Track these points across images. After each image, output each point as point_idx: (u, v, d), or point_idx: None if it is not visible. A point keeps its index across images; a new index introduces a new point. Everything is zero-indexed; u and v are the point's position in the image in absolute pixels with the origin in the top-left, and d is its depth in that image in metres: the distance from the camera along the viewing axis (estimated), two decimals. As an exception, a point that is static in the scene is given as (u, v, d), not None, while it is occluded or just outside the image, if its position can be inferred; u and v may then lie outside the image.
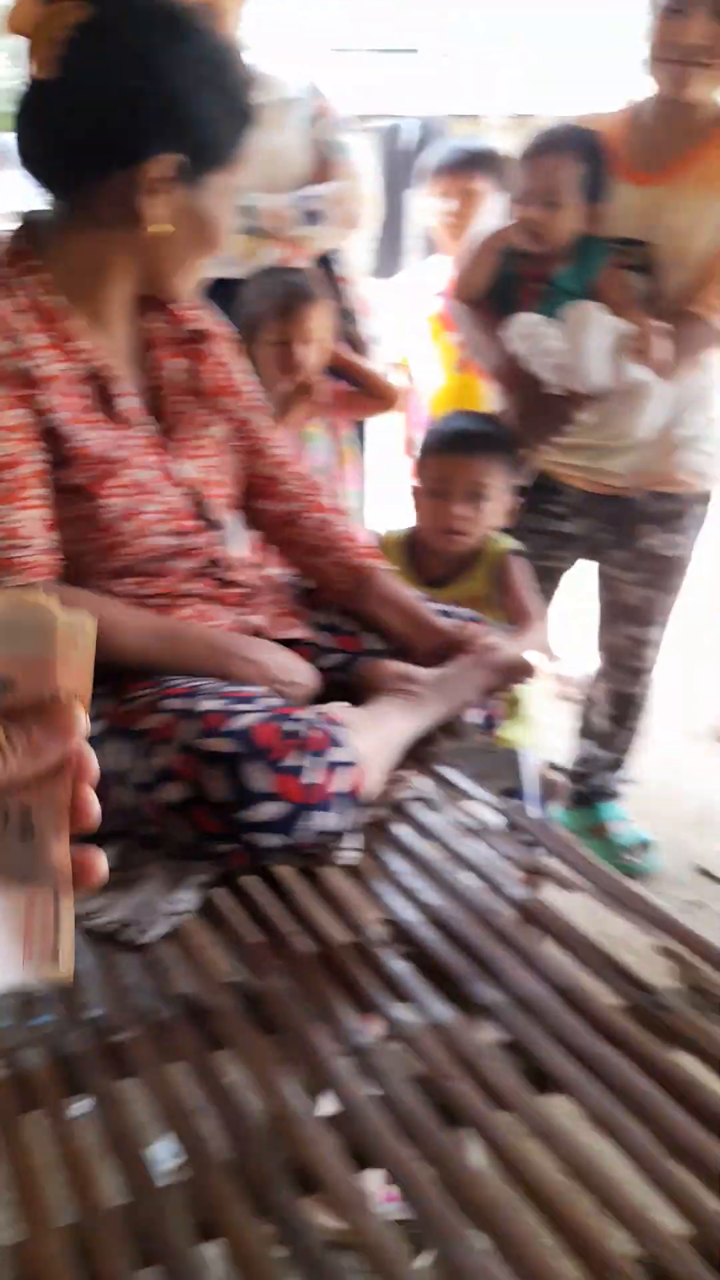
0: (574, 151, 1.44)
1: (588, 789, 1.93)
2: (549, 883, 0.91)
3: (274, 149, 1.93)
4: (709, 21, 1.38)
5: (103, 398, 1.05)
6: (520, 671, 1.27)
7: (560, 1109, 0.69)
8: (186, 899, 0.94)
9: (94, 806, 0.37)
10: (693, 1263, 0.57)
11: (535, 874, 0.92)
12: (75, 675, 0.36)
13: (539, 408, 1.47)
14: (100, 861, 0.38)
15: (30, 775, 0.35)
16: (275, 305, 1.73)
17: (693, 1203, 0.61)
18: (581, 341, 1.40)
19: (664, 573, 1.68)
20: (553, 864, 0.93)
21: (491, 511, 1.44)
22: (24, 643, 0.37)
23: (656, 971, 0.81)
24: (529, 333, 1.46)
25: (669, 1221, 0.60)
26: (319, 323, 1.74)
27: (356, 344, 1.97)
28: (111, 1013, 0.80)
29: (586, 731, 1.92)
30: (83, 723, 0.36)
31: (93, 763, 0.36)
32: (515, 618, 1.45)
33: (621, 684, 1.80)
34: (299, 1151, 0.69)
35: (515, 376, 1.49)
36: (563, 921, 0.84)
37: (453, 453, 1.44)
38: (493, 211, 1.93)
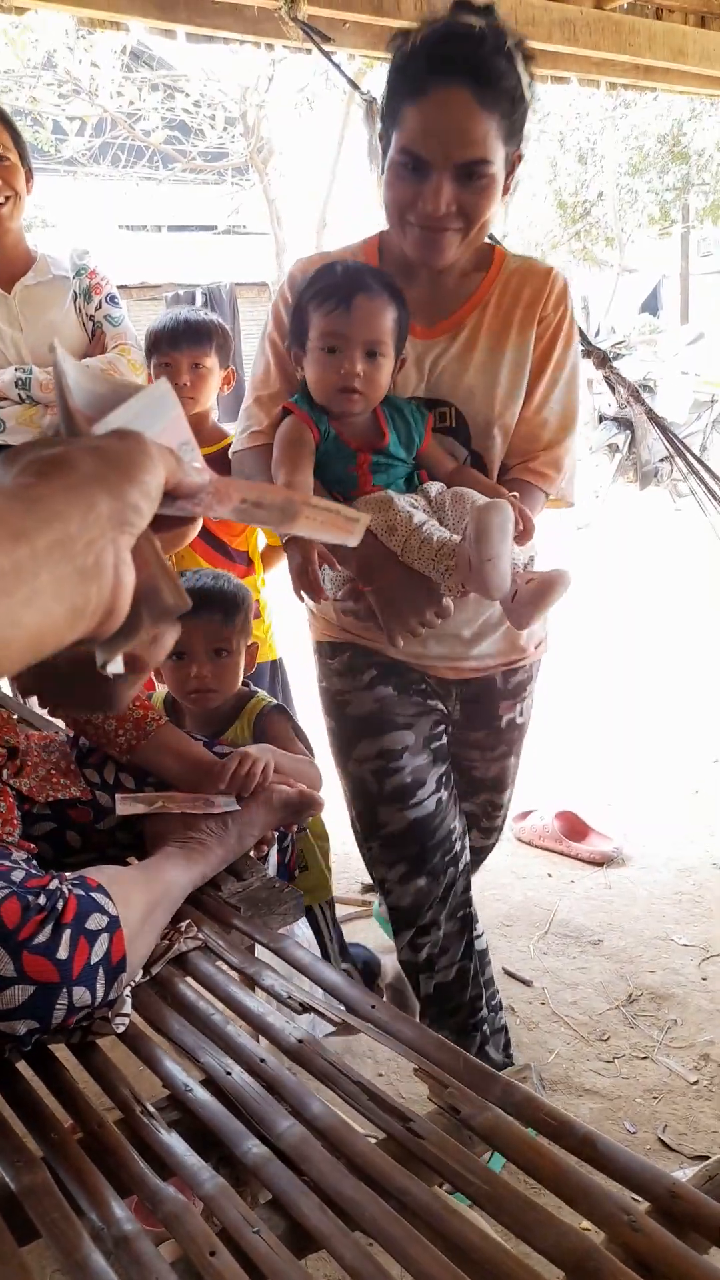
0: (388, 294, 1.17)
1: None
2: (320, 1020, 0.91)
3: (49, 323, 2.03)
4: (452, 186, 1.12)
5: None
6: (306, 806, 1.30)
7: (320, 1267, 0.67)
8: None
9: None
10: None
11: (307, 1012, 0.92)
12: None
13: (403, 595, 1.17)
14: None
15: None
16: None
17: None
18: (491, 550, 1.06)
19: (518, 740, 1.57)
20: (323, 1000, 0.93)
21: (233, 668, 1.38)
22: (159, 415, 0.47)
23: (421, 1093, 0.82)
24: (396, 520, 1.15)
25: None
26: None
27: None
28: None
29: None
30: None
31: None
32: None
33: (475, 840, 1.64)
34: None
35: (375, 562, 1.18)
36: (327, 1060, 0.84)
37: (191, 613, 1.36)
38: (216, 385, 1.89)
